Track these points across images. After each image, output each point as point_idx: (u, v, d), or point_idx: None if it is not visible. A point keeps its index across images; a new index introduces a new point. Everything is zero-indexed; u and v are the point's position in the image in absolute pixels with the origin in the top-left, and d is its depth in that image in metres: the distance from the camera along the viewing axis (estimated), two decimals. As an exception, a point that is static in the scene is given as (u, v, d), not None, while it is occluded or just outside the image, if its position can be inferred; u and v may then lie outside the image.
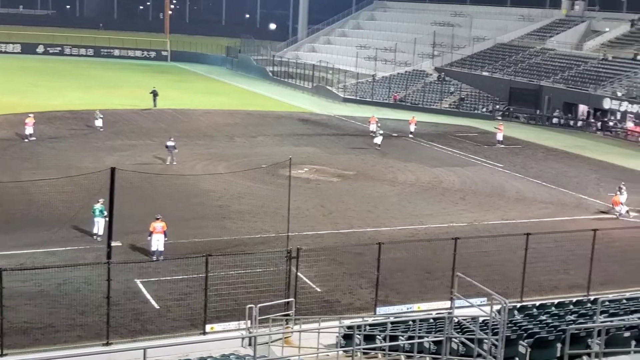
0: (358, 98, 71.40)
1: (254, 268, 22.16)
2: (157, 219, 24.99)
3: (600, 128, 59.24)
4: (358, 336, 15.76)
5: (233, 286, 20.62)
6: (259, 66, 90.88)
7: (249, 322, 18.42)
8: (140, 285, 22.16)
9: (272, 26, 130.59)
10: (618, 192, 34.65)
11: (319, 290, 22.75)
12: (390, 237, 27.07)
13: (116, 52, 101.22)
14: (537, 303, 19.24)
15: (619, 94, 58.22)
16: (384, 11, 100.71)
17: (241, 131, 51.86)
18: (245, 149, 45.65)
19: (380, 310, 21.06)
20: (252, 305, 18.21)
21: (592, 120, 60.53)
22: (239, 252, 24.73)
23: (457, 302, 16.50)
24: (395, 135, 53.26)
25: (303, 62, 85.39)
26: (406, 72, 76.67)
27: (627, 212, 33.91)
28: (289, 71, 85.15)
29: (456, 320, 15.25)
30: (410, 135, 52.36)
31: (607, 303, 17.53)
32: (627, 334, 14.53)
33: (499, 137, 51.44)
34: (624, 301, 18.18)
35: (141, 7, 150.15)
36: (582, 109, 61.90)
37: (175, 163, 39.17)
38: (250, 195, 34.35)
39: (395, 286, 23.09)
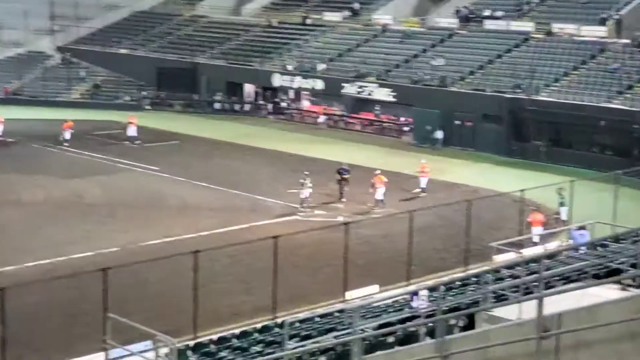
0: (-47, 94, 67.99)
1: None
2: None
3: (272, 111, 62.87)
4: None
5: None
6: None
7: None
8: None
9: None
10: (301, 187, 37.10)
11: None
12: (18, 278, 26.15)
13: None
14: (216, 337, 19.92)
15: (290, 68, 61.94)
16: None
17: None
18: None
19: (12, 376, 20.37)
20: None
21: (262, 102, 64.08)
22: None
23: (114, 352, 16.47)
24: (12, 140, 51.57)
25: None
26: (18, 55, 74.64)
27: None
28: None
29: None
30: (65, 144, 50.86)
31: (297, 324, 18.71)
32: (322, 359, 15.68)
33: (131, 132, 52.21)
34: (317, 319, 19.56)
35: None
36: (249, 89, 65.24)
37: None
38: None
39: (31, 341, 22.48)
